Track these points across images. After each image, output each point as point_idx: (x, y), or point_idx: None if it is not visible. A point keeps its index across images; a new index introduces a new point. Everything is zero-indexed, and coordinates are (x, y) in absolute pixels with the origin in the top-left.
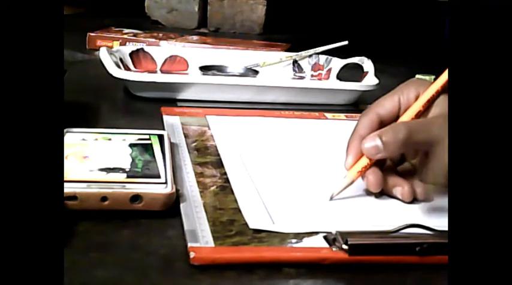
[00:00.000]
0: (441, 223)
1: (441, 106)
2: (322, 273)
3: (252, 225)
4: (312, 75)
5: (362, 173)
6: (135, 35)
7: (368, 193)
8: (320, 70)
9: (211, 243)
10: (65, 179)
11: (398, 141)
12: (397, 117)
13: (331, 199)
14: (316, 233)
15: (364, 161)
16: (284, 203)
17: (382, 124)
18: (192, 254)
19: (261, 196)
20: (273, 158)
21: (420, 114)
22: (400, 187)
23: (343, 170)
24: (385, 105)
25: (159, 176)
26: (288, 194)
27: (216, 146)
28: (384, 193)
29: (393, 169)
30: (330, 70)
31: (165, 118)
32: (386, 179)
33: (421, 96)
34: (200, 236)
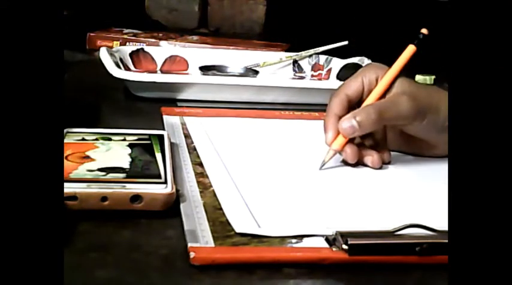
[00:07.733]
0: (441, 223)
1: (400, 86)
2: (322, 273)
3: (238, 229)
4: (312, 75)
5: (343, 147)
6: (135, 35)
7: (356, 192)
8: (320, 70)
9: (211, 243)
10: (65, 179)
11: (371, 120)
12: (362, 95)
13: (321, 167)
14: (307, 236)
15: (343, 137)
16: (270, 206)
17: (350, 102)
18: (192, 254)
19: (245, 199)
20: (263, 160)
21: (382, 95)
22: (370, 156)
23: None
24: (352, 86)
25: (159, 176)
26: (275, 196)
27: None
28: (359, 163)
29: (362, 142)
30: (330, 70)
31: (165, 118)
32: (359, 152)
33: (381, 80)
34: (200, 236)
